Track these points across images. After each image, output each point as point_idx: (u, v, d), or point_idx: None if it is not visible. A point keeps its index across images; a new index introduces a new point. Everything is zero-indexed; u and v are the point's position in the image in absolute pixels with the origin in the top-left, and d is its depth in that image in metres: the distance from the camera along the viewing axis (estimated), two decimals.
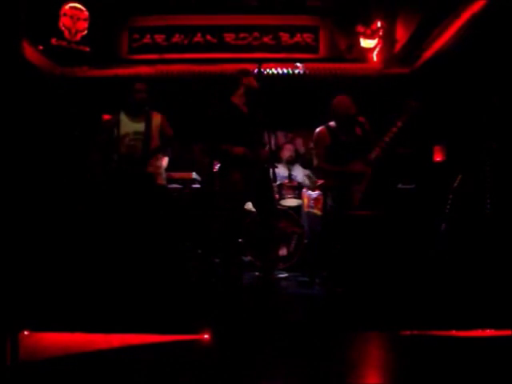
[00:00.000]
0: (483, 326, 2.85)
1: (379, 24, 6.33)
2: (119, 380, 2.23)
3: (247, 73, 3.88)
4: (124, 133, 4.07)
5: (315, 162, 4.02)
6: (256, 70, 3.85)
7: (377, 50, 6.40)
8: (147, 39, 6.65)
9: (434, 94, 5.85)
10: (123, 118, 4.13)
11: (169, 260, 3.89)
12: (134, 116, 4.13)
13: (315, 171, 4.15)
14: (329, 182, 4.00)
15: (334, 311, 3.42)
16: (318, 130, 4.03)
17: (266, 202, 3.81)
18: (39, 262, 3.72)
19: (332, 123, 4.02)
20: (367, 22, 6.35)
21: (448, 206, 4.47)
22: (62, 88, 6.28)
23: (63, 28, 6.13)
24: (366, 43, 6.41)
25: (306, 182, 5.35)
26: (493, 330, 2.83)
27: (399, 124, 3.82)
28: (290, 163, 5.78)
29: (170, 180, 4.73)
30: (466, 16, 5.10)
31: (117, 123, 4.10)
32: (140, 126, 4.09)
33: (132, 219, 3.85)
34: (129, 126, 4.10)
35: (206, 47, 6.62)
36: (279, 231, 5.14)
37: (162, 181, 4.19)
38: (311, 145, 4.68)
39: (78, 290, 3.47)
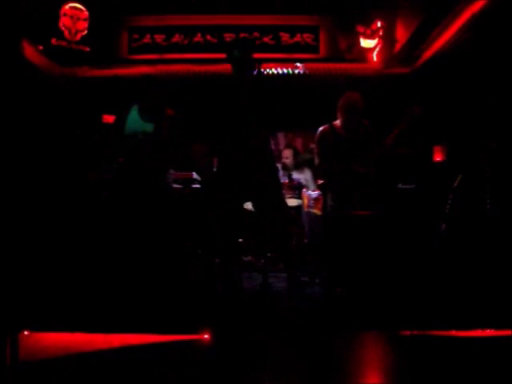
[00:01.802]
0: (483, 326, 2.85)
1: (379, 24, 6.33)
2: (119, 380, 2.23)
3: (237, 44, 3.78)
4: (132, 132, 3.91)
5: (316, 160, 3.99)
6: (256, 71, 3.84)
7: (377, 50, 6.40)
8: (147, 39, 6.66)
9: (433, 94, 5.85)
10: (133, 116, 3.97)
11: (169, 260, 3.88)
12: (145, 116, 3.97)
13: (316, 170, 4.13)
14: (329, 182, 3.99)
15: (334, 311, 3.42)
16: (321, 128, 4.00)
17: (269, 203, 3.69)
18: (39, 261, 3.72)
19: (336, 122, 4.00)
20: (367, 22, 6.36)
21: (448, 206, 4.47)
22: (62, 88, 6.28)
23: (63, 28, 6.13)
24: (365, 43, 6.42)
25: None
26: (493, 330, 2.83)
27: (401, 126, 3.83)
28: (286, 169, 5.70)
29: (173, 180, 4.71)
30: (465, 16, 5.11)
31: (123, 121, 3.95)
32: (150, 127, 3.91)
33: (132, 219, 3.85)
34: (138, 125, 3.93)
35: (206, 47, 6.63)
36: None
37: (168, 179, 4.12)
38: (312, 145, 4.67)
39: (78, 289, 3.47)
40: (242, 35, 6.58)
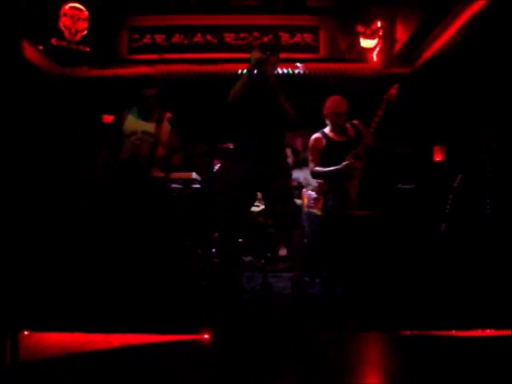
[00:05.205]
0: (483, 326, 2.85)
1: (379, 24, 6.33)
2: (119, 380, 2.23)
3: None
4: (131, 131, 3.96)
5: (311, 166, 4.10)
6: (256, 71, 3.83)
7: (377, 50, 6.40)
8: (147, 39, 6.66)
9: (433, 94, 5.85)
10: (132, 115, 4.02)
11: (169, 260, 3.89)
12: (144, 115, 4.02)
13: (312, 175, 4.21)
14: (327, 184, 4.05)
15: (334, 311, 3.42)
16: (313, 136, 4.15)
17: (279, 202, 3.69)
18: (39, 261, 3.72)
19: (326, 129, 4.11)
20: (367, 22, 6.36)
21: (448, 206, 4.47)
22: (61, 88, 6.28)
23: (63, 28, 6.13)
24: (365, 43, 6.42)
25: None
26: (493, 330, 2.83)
27: (380, 113, 3.89)
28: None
29: (170, 180, 4.71)
30: (465, 16, 5.11)
31: (122, 120, 4.00)
32: (150, 126, 3.98)
33: (132, 219, 3.85)
34: (138, 124, 3.99)
35: (206, 47, 6.63)
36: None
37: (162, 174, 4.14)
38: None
39: (77, 289, 3.47)
40: (241, 35, 6.58)
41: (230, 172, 3.72)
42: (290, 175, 3.88)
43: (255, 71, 3.52)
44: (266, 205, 3.95)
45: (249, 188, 3.66)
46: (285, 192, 3.66)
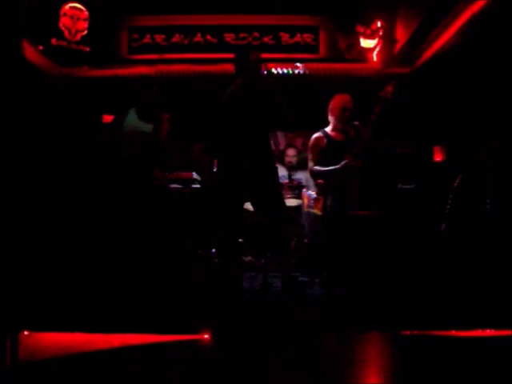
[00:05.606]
0: (483, 326, 2.85)
1: (379, 24, 6.33)
2: (119, 380, 2.23)
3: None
4: (130, 131, 3.97)
5: (310, 165, 4.10)
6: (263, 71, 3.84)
7: (377, 50, 6.40)
8: (147, 39, 6.66)
9: (433, 94, 5.85)
10: (132, 116, 4.03)
11: (169, 260, 3.89)
12: (143, 116, 4.03)
13: (310, 174, 4.21)
14: (327, 183, 4.05)
15: (334, 311, 3.42)
16: (314, 135, 4.14)
17: (270, 205, 3.70)
18: (39, 261, 3.72)
19: (327, 128, 4.11)
20: (367, 22, 6.35)
21: (448, 206, 4.47)
22: (62, 88, 6.28)
23: (63, 28, 6.13)
24: (365, 43, 6.42)
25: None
26: (493, 330, 2.83)
27: (377, 110, 3.89)
28: (292, 168, 5.71)
29: (170, 180, 4.72)
30: (465, 16, 5.10)
31: (122, 121, 4.01)
32: (149, 127, 3.98)
33: (132, 219, 3.85)
34: (137, 125, 3.99)
35: (206, 47, 6.63)
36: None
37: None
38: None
39: (77, 289, 3.47)
40: (241, 35, 6.58)
41: (228, 172, 3.72)
42: (276, 173, 3.88)
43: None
44: (254, 204, 3.92)
45: (246, 188, 3.68)
46: (275, 191, 3.71)
